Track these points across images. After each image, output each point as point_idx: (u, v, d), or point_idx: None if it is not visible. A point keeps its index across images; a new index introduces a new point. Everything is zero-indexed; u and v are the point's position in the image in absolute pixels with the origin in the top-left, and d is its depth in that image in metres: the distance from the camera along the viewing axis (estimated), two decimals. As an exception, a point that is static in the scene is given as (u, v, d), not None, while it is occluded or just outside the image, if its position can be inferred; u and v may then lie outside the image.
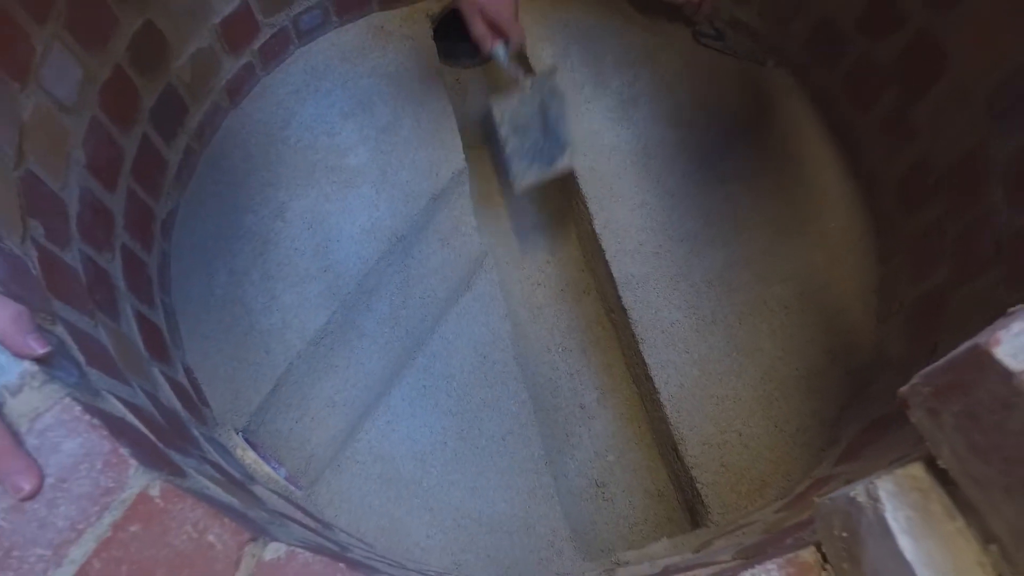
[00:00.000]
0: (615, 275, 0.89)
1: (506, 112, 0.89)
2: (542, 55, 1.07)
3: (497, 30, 0.79)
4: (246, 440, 0.72)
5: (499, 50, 0.81)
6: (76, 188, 0.67)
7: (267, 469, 0.68)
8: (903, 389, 0.30)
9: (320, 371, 0.82)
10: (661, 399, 0.79)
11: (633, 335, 0.85)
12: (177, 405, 0.64)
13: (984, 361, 0.25)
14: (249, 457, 0.68)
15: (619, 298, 0.88)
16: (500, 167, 1.13)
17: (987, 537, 0.28)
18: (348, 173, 0.95)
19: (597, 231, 0.92)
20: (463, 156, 0.98)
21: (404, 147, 0.98)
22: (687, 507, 0.82)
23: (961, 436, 0.27)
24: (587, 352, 0.98)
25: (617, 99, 1.03)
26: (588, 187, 0.95)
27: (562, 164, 0.90)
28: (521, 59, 1.08)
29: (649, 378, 0.82)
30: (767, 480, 0.76)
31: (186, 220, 0.90)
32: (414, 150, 0.98)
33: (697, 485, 0.75)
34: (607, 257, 0.90)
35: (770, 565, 0.34)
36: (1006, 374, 0.24)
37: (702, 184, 0.96)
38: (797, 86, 1.01)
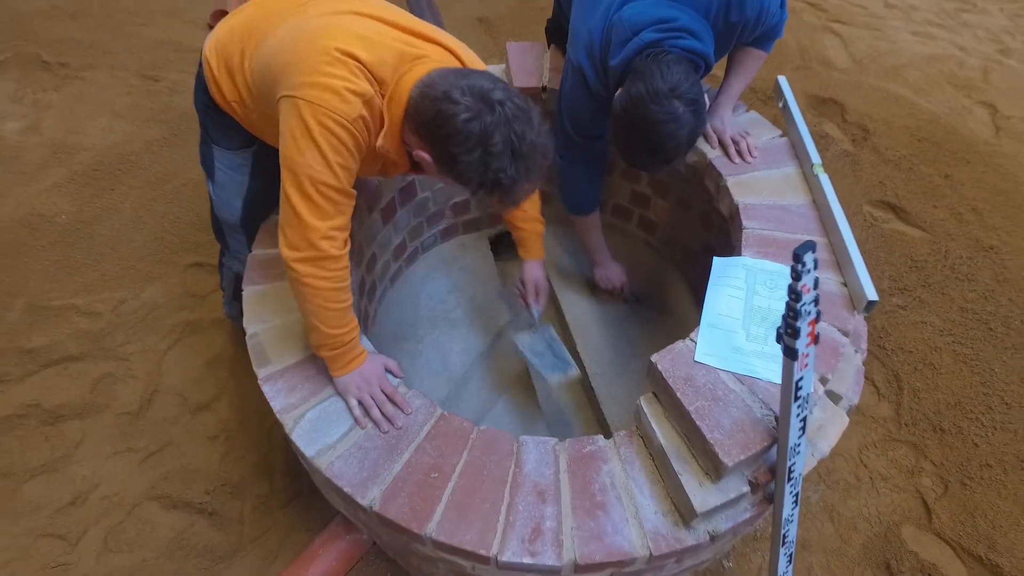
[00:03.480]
0: (588, 371, 1.75)
1: (524, 342, 1.62)
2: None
3: (536, 297, 1.62)
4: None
5: (535, 311, 1.64)
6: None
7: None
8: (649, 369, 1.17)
9: (444, 417, 1.66)
10: (611, 428, 1.61)
11: (597, 399, 1.69)
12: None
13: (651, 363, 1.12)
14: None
15: (591, 383, 1.73)
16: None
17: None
18: (452, 322, 1.86)
19: (579, 352, 1.80)
20: (509, 315, 1.89)
21: (478, 308, 1.90)
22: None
23: (652, 383, 1.12)
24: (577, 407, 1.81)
25: (590, 289, 1.97)
26: (576, 331, 1.84)
27: (573, 373, 1.56)
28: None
29: (603, 418, 1.65)
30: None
31: (375, 345, 1.78)
32: (483, 309, 1.89)
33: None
34: (584, 365, 1.76)
35: (622, 431, 1.17)
36: (654, 366, 1.11)
37: (631, 324, 1.86)
38: (681, 279, 1.96)
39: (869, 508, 1.67)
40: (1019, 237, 2.11)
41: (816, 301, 0.82)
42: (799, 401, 0.92)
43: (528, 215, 1.52)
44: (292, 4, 1.18)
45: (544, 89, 1.77)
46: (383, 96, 1.08)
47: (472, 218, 2.08)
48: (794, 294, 0.80)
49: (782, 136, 1.57)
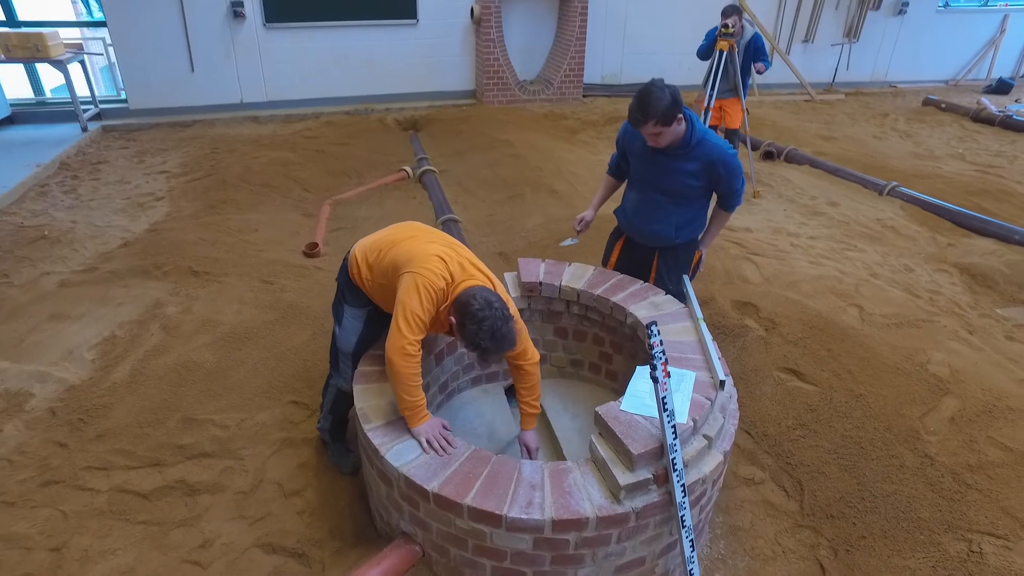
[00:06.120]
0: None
1: None
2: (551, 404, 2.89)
3: (531, 454, 2.50)
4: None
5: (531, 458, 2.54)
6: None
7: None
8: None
9: (469, 490, 2.37)
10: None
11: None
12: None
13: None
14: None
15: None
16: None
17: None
18: (477, 436, 2.65)
19: (566, 458, 2.55)
20: (518, 431, 2.69)
21: (494, 431, 2.70)
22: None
23: (598, 424, 1.92)
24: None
25: (572, 417, 2.79)
26: (566, 445, 2.62)
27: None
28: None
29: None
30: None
31: (421, 444, 2.57)
32: (496, 432, 2.70)
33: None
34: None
35: (581, 458, 1.92)
36: (597, 413, 1.93)
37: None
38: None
39: (782, 573, 2.26)
40: (879, 388, 2.94)
41: (664, 351, 1.71)
42: (667, 412, 1.74)
43: (530, 402, 2.39)
44: (406, 235, 2.24)
45: (540, 284, 2.81)
46: (450, 286, 2.09)
47: (493, 371, 2.98)
48: (650, 347, 1.70)
49: (684, 307, 2.57)
